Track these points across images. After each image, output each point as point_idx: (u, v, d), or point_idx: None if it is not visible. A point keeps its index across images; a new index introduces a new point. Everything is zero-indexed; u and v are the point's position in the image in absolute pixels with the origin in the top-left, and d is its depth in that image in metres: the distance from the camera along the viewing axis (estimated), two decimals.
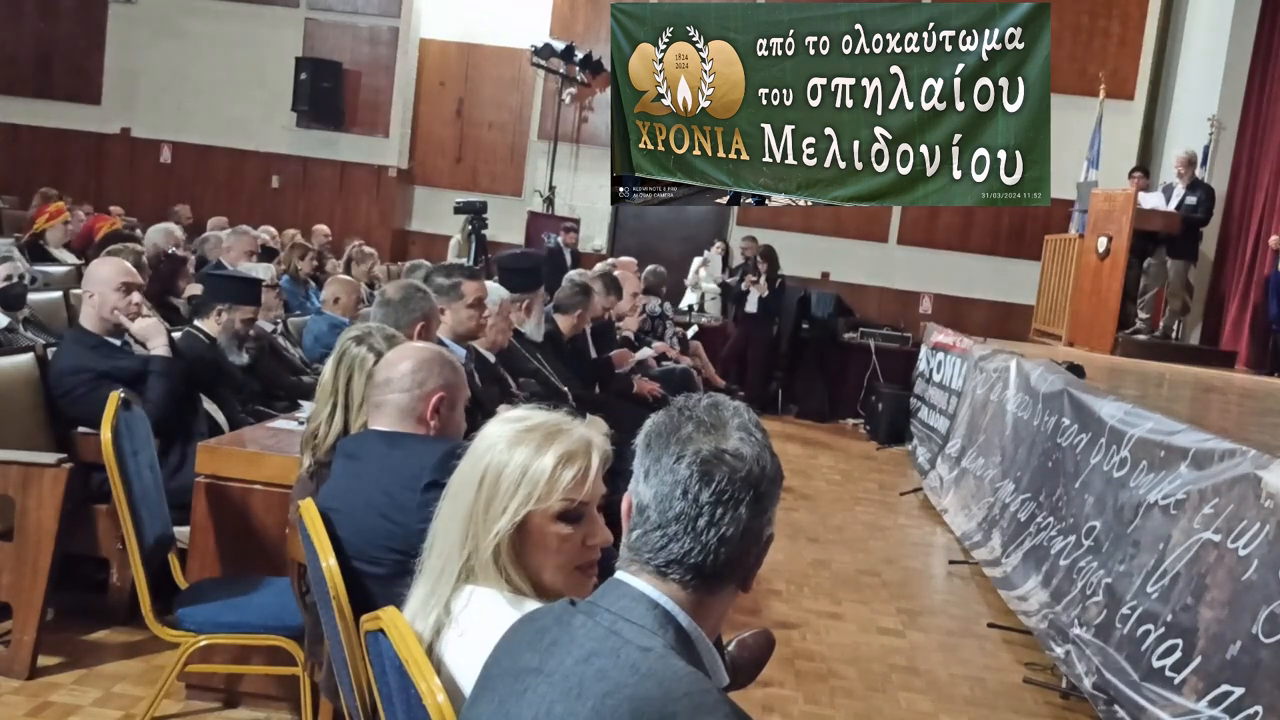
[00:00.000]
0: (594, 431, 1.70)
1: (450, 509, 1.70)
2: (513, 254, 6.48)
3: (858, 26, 3.78)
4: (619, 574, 1.31)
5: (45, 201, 8.96)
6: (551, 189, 12.41)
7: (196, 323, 4.34)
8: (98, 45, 12.74)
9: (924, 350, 9.81)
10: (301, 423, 3.39)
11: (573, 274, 6.10)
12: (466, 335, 3.97)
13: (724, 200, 4.36)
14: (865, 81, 3.80)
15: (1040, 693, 4.19)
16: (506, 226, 11.83)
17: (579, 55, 11.90)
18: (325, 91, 12.30)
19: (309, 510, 2.17)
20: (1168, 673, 3.40)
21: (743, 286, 10.65)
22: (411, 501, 2.10)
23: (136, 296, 3.90)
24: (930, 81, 3.68)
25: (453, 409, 2.36)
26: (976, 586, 5.55)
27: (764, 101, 4.02)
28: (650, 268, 8.77)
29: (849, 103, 3.84)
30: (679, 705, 1.14)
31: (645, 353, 6.00)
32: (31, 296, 5.18)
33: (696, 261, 11.57)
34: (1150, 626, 3.63)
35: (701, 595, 1.28)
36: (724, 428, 1.29)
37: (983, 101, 3.60)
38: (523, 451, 1.65)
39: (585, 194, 12.37)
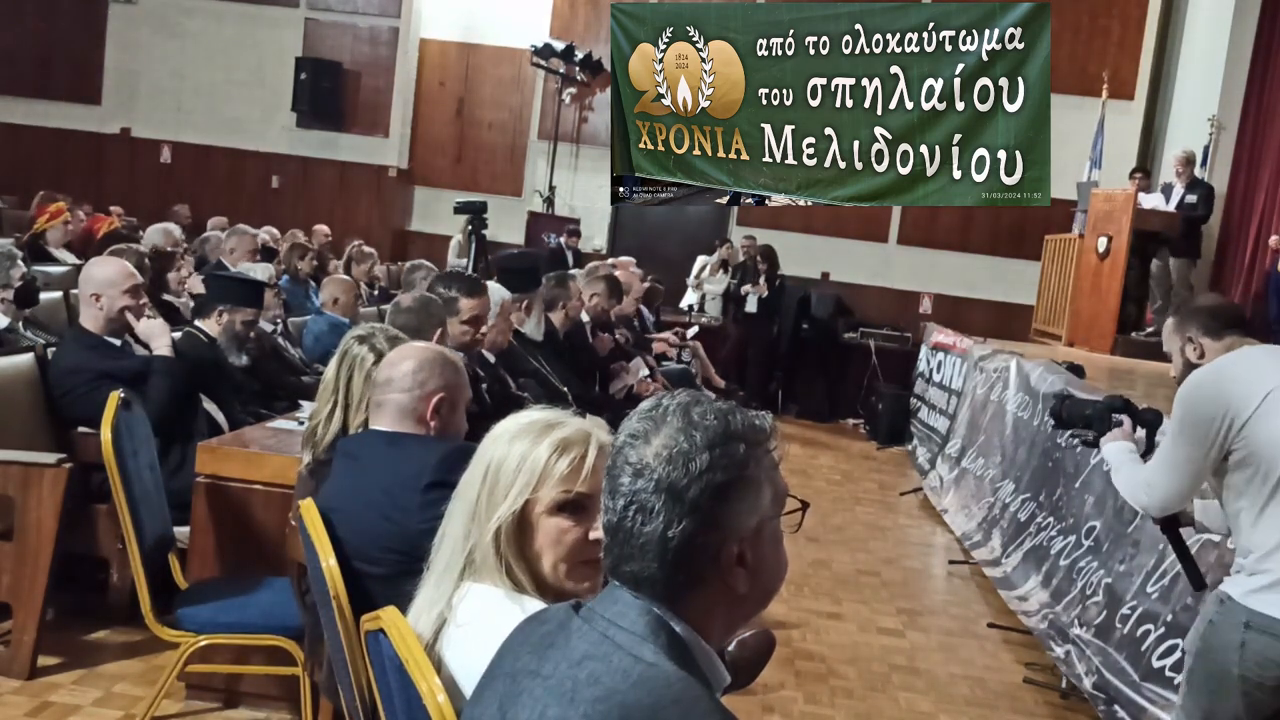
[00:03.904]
0: (596, 426, 1.71)
1: (457, 508, 1.72)
2: (512, 254, 6.48)
3: (858, 26, 3.78)
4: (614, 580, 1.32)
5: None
6: (551, 189, 12.40)
7: (197, 323, 4.35)
8: (98, 45, 12.72)
9: (924, 350, 9.80)
10: (301, 423, 3.40)
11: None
12: (459, 349, 3.96)
13: (724, 200, 4.36)
14: (865, 81, 3.80)
15: (1040, 693, 4.19)
16: (506, 226, 11.82)
17: (579, 55, 11.89)
18: (325, 91, 12.29)
19: (309, 510, 2.17)
20: (1168, 673, 3.40)
21: (741, 292, 10.65)
22: (412, 502, 2.10)
23: (143, 296, 3.93)
24: (930, 81, 3.68)
25: (453, 409, 2.36)
26: (976, 586, 5.55)
27: (764, 101, 4.02)
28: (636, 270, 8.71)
29: (849, 103, 3.85)
30: (669, 713, 1.14)
31: (638, 369, 5.96)
32: None
33: (700, 261, 11.54)
34: (1150, 626, 3.63)
35: (674, 606, 1.25)
36: (650, 436, 1.26)
37: (983, 101, 3.61)
38: (521, 443, 1.68)
39: (585, 194, 12.36)
